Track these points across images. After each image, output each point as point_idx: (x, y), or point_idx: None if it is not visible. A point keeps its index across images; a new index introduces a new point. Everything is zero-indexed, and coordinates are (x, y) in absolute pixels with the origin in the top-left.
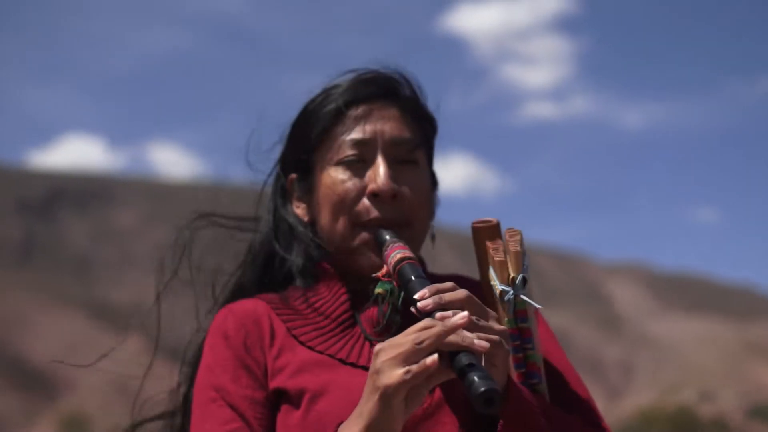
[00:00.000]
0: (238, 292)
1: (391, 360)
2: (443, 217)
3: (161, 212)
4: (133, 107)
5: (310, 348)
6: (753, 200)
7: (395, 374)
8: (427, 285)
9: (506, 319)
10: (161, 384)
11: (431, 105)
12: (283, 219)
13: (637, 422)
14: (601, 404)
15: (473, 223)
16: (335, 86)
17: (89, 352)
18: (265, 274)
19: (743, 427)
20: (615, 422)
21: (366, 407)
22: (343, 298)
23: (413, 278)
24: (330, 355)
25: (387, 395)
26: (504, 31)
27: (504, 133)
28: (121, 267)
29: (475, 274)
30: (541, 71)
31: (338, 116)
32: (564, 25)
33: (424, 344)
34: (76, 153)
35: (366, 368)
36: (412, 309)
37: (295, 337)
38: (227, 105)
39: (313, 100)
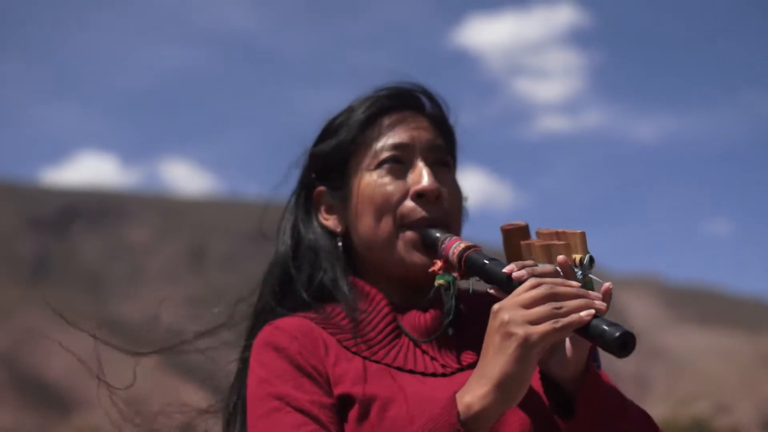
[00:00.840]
0: (266, 313)
1: (526, 315)
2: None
3: (174, 228)
4: (145, 124)
5: (365, 358)
6: (766, 212)
7: (542, 326)
8: (504, 264)
9: None
10: (173, 399)
11: (452, 118)
12: (309, 235)
13: None
14: None
15: (503, 227)
16: (362, 101)
17: (102, 368)
18: (290, 295)
19: None
20: None
21: (495, 364)
22: (386, 309)
23: (487, 261)
24: (387, 364)
25: (529, 346)
26: (515, 45)
27: (516, 146)
28: (135, 283)
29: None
30: (553, 85)
31: (371, 124)
32: (576, 38)
33: (562, 311)
34: (89, 170)
35: (424, 374)
36: (490, 290)
37: (347, 348)
38: (239, 121)
39: (338, 116)
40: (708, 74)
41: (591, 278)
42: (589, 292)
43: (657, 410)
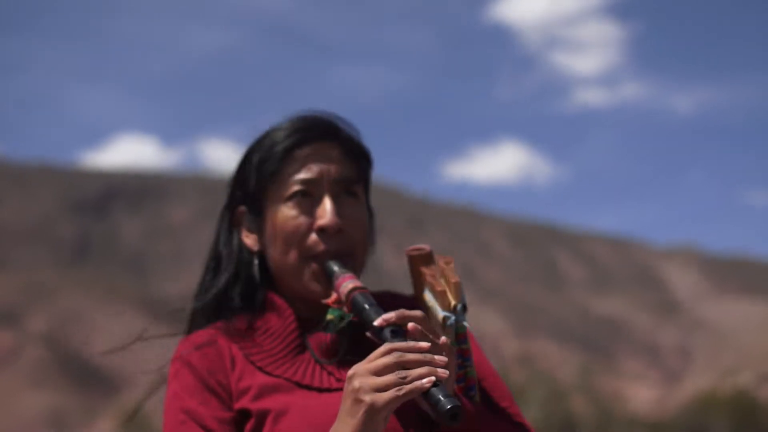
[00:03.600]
0: (191, 325)
1: (374, 383)
2: (497, 205)
3: (214, 207)
4: (184, 105)
5: (268, 373)
6: None
7: (387, 394)
8: (380, 312)
9: (448, 341)
10: None
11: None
12: (231, 249)
13: (696, 406)
14: (659, 389)
15: (407, 251)
16: (280, 129)
17: (146, 347)
18: (214, 304)
19: None
20: (673, 406)
21: (345, 425)
22: (293, 325)
23: (367, 306)
24: (286, 379)
25: (375, 411)
26: (552, 18)
27: (555, 120)
28: (176, 262)
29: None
30: (590, 57)
31: (286, 158)
32: (612, 9)
33: (407, 379)
34: (129, 153)
35: (320, 390)
36: (368, 334)
37: (252, 362)
38: (278, 100)
39: (259, 142)
40: (746, 44)
41: (464, 325)
42: (436, 357)
43: (700, 381)
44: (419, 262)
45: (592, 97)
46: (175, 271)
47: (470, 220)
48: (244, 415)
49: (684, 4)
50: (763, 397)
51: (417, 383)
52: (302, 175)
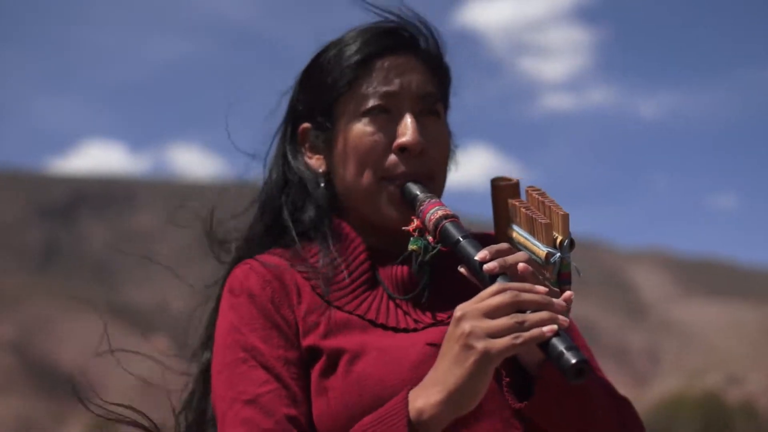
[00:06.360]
0: (245, 250)
1: (487, 328)
2: (464, 209)
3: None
4: (151, 111)
5: (338, 308)
6: None
7: (502, 340)
8: (479, 246)
9: (549, 281)
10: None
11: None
12: (294, 170)
13: (664, 408)
14: (627, 391)
15: (493, 180)
16: (355, 36)
17: (119, 355)
18: (273, 228)
19: None
20: (642, 409)
21: (451, 374)
22: (363, 256)
23: (461, 238)
24: (359, 316)
25: (487, 360)
26: (519, 24)
27: (522, 124)
28: (143, 269)
29: None
30: (557, 62)
31: (362, 67)
32: (580, 15)
33: (525, 324)
34: (96, 159)
35: (395, 330)
36: (462, 269)
37: (320, 295)
38: (242, 106)
39: (328, 50)
40: (711, 50)
41: (569, 263)
42: (554, 301)
43: (668, 383)
44: (506, 193)
45: (559, 101)
46: (143, 278)
47: None
48: (313, 353)
49: (650, 10)
50: (732, 398)
51: (536, 330)
52: (382, 88)
